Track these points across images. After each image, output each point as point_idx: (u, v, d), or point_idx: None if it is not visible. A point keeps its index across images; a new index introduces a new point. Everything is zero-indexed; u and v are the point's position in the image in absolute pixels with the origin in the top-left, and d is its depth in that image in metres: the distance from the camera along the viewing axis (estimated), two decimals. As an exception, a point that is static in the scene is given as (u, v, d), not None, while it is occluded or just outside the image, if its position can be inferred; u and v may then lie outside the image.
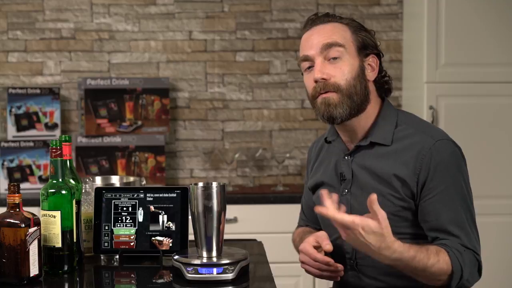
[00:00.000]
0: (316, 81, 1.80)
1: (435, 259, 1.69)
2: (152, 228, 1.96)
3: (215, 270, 1.73)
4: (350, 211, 1.83)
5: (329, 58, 1.79)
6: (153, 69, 3.75)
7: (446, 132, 1.88)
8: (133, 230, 1.97)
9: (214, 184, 1.79)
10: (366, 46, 1.81)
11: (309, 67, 1.84)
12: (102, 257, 1.98)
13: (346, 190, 1.88)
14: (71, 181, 1.91)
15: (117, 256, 1.96)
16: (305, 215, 2.15)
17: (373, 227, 1.58)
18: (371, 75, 1.83)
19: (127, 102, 3.61)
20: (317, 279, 3.31)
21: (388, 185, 1.79)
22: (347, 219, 1.58)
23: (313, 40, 1.81)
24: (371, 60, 1.83)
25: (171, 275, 1.81)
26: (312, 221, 2.11)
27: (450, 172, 1.77)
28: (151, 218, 1.97)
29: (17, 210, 1.72)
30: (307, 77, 1.85)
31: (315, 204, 1.93)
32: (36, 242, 1.74)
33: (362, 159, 1.85)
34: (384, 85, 1.88)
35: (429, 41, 3.33)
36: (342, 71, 1.78)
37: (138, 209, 1.98)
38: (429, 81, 3.34)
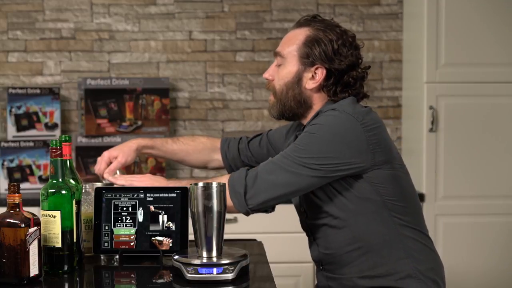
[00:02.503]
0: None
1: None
2: (152, 228, 1.96)
3: (215, 270, 1.73)
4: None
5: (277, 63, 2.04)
6: (153, 69, 3.75)
7: (354, 107, 1.95)
8: (133, 230, 1.97)
9: (214, 184, 1.79)
10: (311, 57, 1.97)
11: None
12: (102, 257, 1.98)
13: None
14: (71, 181, 1.91)
15: (117, 256, 1.96)
16: (259, 144, 2.34)
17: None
18: (310, 83, 1.98)
19: (127, 102, 3.61)
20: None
21: None
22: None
23: (280, 42, 2.06)
24: (316, 70, 1.98)
25: (171, 275, 1.82)
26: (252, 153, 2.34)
27: (307, 132, 1.91)
28: (151, 218, 1.97)
29: (17, 210, 1.73)
30: None
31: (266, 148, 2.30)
32: (36, 242, 1.74)
33: None
34: (337, 95, 1.99)
35: (429, 41, 3.33)
36: (279, 77, 2.03)
37: (138, 209, 1.98)
38: (429, 81, 3.34)
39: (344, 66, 1.96)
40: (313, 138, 1.88)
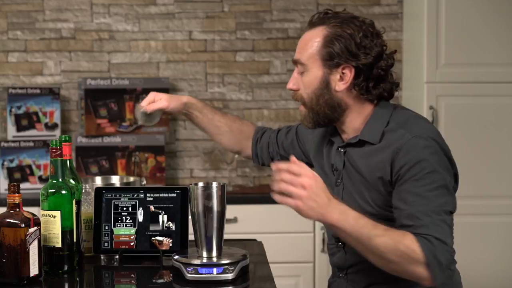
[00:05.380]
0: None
1: (389, 232, 1.66)
2: (152, 228, 1.96)
3: (215, 270, 1.73)
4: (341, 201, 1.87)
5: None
6: (153, 69, 3.75)
7: (431, 129, 1.85)
8: (133, 230, 1.97)
9: (214, 184, 1.79)
10: (335, 57, 1.82)
11: None
12: (102, 257, 1.98)
13: (339, 181, 1.91)
14: (71, 181, 1.91)
15: (117, 256, 1.96)
16: (276, 140, 2.23)
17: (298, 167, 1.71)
18: (340, 85, 1.84)
19: (127, 102, 3.61)
20: (317, 279, 3.31)
21: (373, 189, 1.82)
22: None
23: (296, 49, 1.91)
24: (343, 70, 1.83)
25: (171, 275, 1.82)
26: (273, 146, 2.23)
27: (423, 165, 1.73)
28: (151, 218, 1.97)
29: (17, 210, 1.73)
30: None
31: (283, 144, 2.19)
32: (36, 242, 1.74)
33: (352, 156, 1.88)
34: (370, 91, 1.87)
35: (429, 41, 3.32)
36: (304, 85, 1.88)
37: (138, 209, 1.98)
38: (429, 81, 3.34)
39: (371, 59, 1.83)
40: (427, 163, 1.73)
